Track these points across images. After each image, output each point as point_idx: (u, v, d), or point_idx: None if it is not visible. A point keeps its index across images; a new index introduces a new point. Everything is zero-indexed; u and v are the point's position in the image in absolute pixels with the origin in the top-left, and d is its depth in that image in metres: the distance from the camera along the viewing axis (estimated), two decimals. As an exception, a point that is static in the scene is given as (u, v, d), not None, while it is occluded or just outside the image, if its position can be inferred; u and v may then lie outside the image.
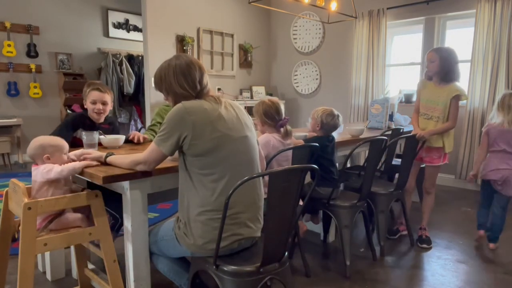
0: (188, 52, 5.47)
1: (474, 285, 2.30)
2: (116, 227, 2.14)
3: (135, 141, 2.41)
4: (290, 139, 2.28)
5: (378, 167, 2.82)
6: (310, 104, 6.18)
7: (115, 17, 6.95)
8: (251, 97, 6.36)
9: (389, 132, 3.25)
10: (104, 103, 2.42)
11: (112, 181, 1.58)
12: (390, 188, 2.77)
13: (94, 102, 2.39)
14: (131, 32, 7.17)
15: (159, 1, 5.16)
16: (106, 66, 6.57)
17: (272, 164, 2.17)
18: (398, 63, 5.46)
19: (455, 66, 2.74)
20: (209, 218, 1.51)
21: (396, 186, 2.78)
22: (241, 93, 6.32)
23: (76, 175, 1.72)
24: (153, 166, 1.61)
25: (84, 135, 2.04)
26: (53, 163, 1.68)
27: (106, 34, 6.86)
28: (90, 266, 2.09)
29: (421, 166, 3.11)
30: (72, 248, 2.08)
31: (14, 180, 1.70)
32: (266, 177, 1.40)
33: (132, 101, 7.00)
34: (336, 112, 2.50)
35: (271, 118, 2.23)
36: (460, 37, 4.78)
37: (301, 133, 2.69)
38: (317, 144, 2.28)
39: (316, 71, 6.15)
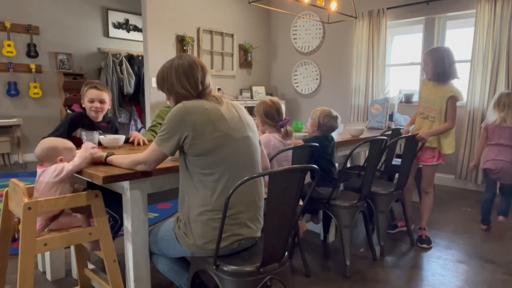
0: (188, 52, 5.47)
1: (474, 285, 2.30)
2: (116, 228, 2.14)
3: (135, 143, 2.41)
4: (290, 140, 2.29)
5: (378, 167, 2.82)
6: (310, 104, 6.18)
7: (115, 17, 6.95)
8: (251, 97, 6.36)
9: (389, 132, 3.25)
10: (102, 101, 2.41)
11: (112, 181, 1.58)
12: (390, 188, 2.77)
13: (91, 101, 2.39)
14: (131, 32, 7.18)
15: (159, 1, 5.16)
16: (106, 66, 6.57)
17: (273, 164, 2.17)
18: (398, 63, 5.46)
19: (449, 66, 2.74)
20: (209, 218, 1.51)
21: (396, 186, 2.78)
22: (241, 93, 6.32)
23: (76, 175, 1.72)
24: (153, 166, 1.61)
25: (84, 135, 2.04)
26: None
27: (106, 34, 6.87)
28: (90, 266, 2.09)
29: (419, 165, 3.11)
30: (72, 248, 2.08)
31: (14, 180, 1.70)
32: (267, 177, 1.40)
33: (132, 101, 7.00)
34: (334, 114, 2.50)
35: (271, 118, 2.23)
36: (460, 37, 4.78)
37: (301, 133, 2.69)
38: (317, 144, 2.28)
39: (316, 71, 6.15)
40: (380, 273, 2.44)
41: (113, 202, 1.92)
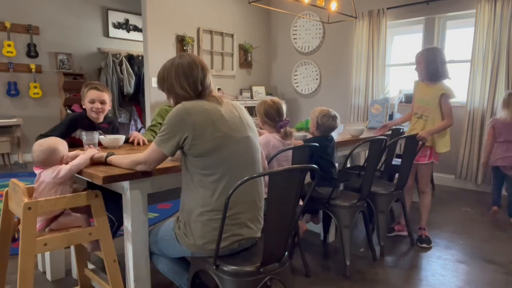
0: (188, 52, 5.46)
1: (474, 285, 2.30)
2: (113, 230, 2.12)
3: (135, 143, 2.40)
4: (290, 140, 2.28)
5: (378, 167, 2.82)
6: (310, 104, 6.18)
7: (115, 17, 6.95)
8: (251, 97, 6.36)
9: (389, 132, 3.25)
10: (102, 102, 2.41)
11: (112, 181, 1.58)
12: (390, 188, 2.77)
13: (92, 101, 2.39)
14: (131, 32, 7.17)
15: (159, 1, 5.16)
16: (106, 66, 6.57)
17: (273, 164, 2.17)
18: (398, 63, 5.46)
19: (441, 66, 2.77)
20: (209, 218, 1.51)
21: (396, 186, 2.78)
22: (241, 93, 6.32)
23: (76, 175, 1.72)
24: (153, 166, 1.61)
25: (84, 135, 2.04)
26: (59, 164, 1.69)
27: (106, 34, 6.87)
28: (90, 266, 2.09)
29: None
30: (72, 248, 2.08)
31: (14, 180, 1.70)
32: (267, 177, 1.40)
33: (132, 101, 7.00)
34: (333, 113, 2.49)
35: (271, 118, 2.23)
36: (460, 37, 4.78)
37: (300, 133, 2.69)
38: (317, 144, 2.28)
39: (316, 71, 6.15)
40: (380, 273, 2.44)
41: (111, 203, 1.91)
